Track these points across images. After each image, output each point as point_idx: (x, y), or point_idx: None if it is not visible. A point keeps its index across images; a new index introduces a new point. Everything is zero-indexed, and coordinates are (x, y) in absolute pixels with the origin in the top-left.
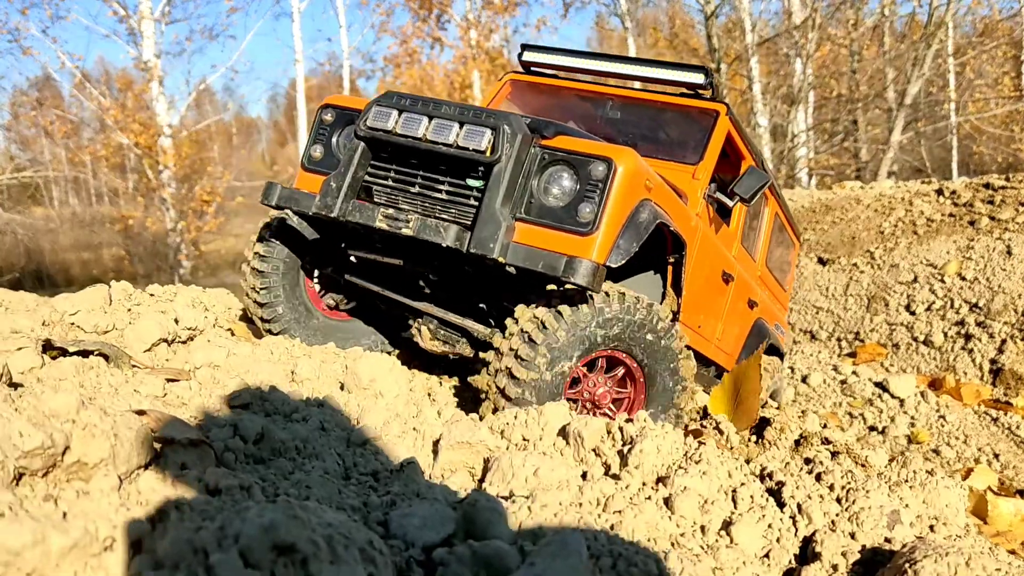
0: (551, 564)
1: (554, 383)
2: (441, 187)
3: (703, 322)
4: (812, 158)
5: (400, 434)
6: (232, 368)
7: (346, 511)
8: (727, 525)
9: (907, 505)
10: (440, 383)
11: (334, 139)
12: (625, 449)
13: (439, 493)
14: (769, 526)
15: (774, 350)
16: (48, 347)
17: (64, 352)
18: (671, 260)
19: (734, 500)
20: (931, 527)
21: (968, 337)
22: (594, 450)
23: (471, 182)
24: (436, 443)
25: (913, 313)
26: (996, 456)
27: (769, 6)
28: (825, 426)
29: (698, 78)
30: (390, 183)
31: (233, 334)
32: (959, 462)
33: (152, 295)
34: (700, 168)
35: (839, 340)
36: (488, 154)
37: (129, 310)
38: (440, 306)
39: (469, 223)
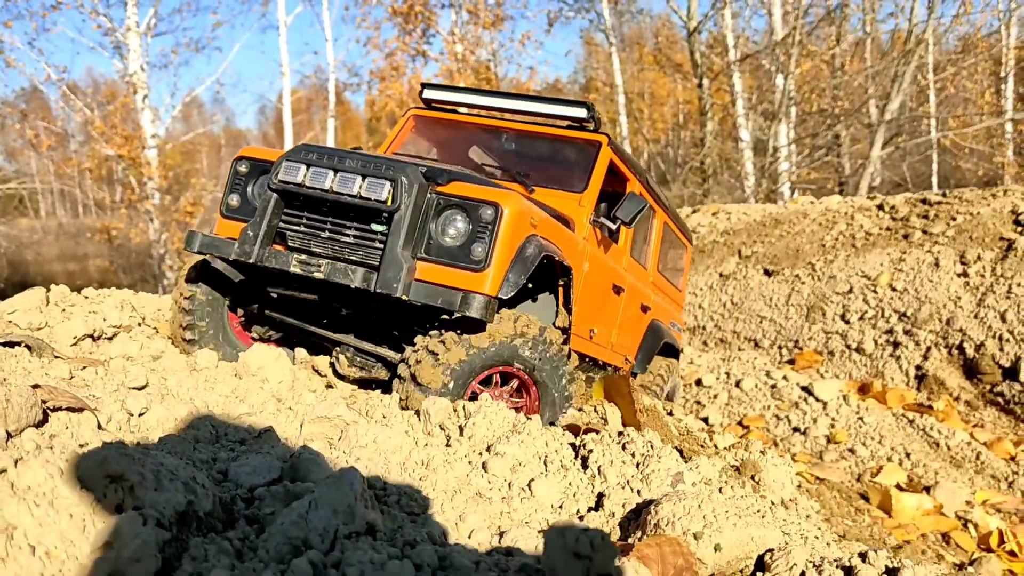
0: (325, 492)
1: (455, 395)
2: (348, 232)
3: (597, 330)
4: (794, 172)
5: (275, 412)
6: (142, 359)
7: (193, 462)
8: (531, 482)
9: (696, 467)
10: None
11: (249, 188)
12: (463, 423)
13: (277, 451)
14: (570, 484)
15: (671, 348)
16: None
17: None
18: (560, 284)
19: (545, 464)
20: (719, 488)
21: (896, 345)
22: (440, 425)
23: (375, 227)
24: (304, 418)
25: (847, 322)
26: (908, 455)
27: (752, 23)
28: (671, 413)
29: (581, 112)
30: (302, 229)
31: (158, 332)
32: (872, 460)
33: (87, 297)
34: (585, 196)
35: (780, 348)
36: (389, 203)
37: (64, 310)
38: (356, 335)
39: (376, 264)
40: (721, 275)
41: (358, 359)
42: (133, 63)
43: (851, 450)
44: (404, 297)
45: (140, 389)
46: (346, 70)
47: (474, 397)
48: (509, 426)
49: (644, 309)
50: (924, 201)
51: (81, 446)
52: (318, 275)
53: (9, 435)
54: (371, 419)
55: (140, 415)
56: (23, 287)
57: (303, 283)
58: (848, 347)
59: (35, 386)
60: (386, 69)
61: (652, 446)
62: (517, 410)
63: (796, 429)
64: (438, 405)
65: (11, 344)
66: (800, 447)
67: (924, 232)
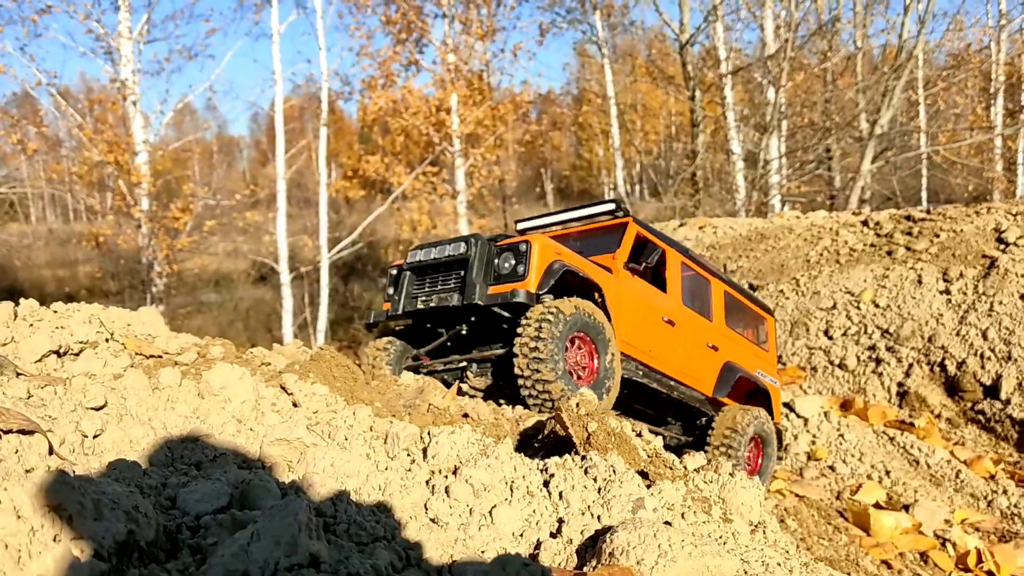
0: (268, 522)
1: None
2: (449, 279)
3: (653, 349)
4: (785, 185)
5: (235, 433)
6: (104, 377)
7: (141, 488)
8: (493, 508)
9: (658, 493)
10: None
11: (397, 280)
12: (427, 446)
13: (229, 476)
14: (534, 511)
15: (758, 391)
16: None
17: None
18: (596, 296)
19: (511, 489)
20: (682, 515)
21: (878, 361)
22: (406, 449)
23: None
24: (263, 440)
25: (831, 338)
26: (888, 473)
27: (744, 36)
28: (640, 434)
29: (611, 207)
30: (425, 287)
31: (125, 348)
32: (852, 478)
33: (55, 312)
34: (618, 253)
35: None
36: (464, 252)
37: (31, 325)
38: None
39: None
40: None
41: (477, 368)
42: (125, 69)
43: (831, 467)
44: (480, 302)
45: (98, 409)
46: (339, 79)
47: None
48: (478, 450)
49: (713, 347)
50: (908, 218)
51: (27, 471)
52: (432, 304)
53: None
54: (332, 441)
55: (95, 437)
56: (11, 292)
57: (432, 315)
58: (831, 363)
59: None
60: (378, 78)
61: (615, 471)
62: (584, 368)
63: None
64: (407, 431)
65: None
66: (780, 464)
67: (908, 249)
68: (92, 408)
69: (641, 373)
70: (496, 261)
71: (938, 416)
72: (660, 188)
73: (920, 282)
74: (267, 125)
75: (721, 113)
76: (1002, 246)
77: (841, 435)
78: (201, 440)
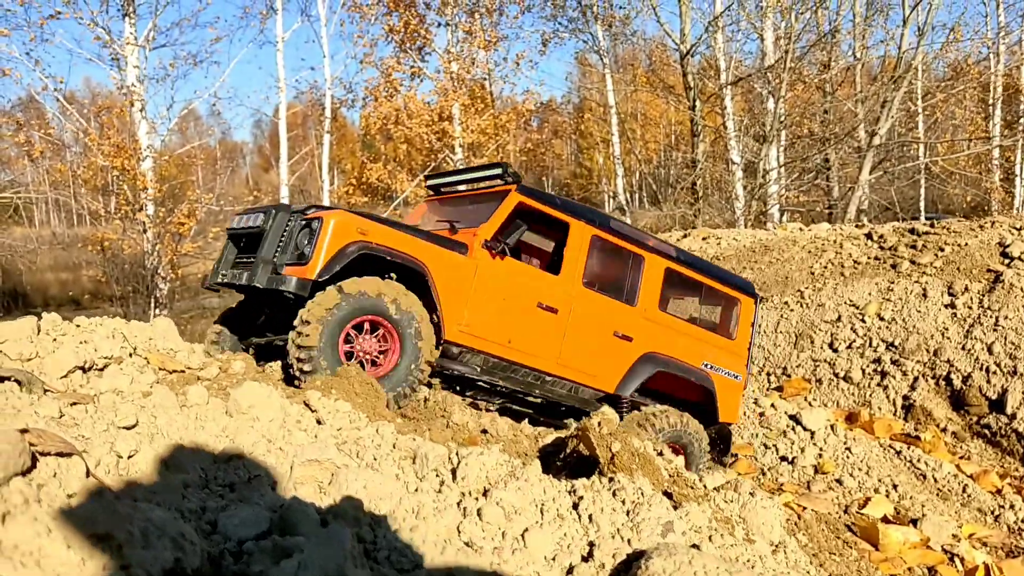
0: (315, 551)
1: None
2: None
3: (515, 339)
4: (784, 195)
5: (265, 452)
6: (132, 395)
7: (182, 512)
8: (525, 531)
9: (686, 516)
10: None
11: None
12: (456, 467)
13: (267, 500)
14: (565, 534)
15: (698, 390)
16: None
17: None
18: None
19: (542, 512)
20: (709, 537)
21: (884, 374)
22: (434, 469)
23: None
24: (294, 461)
25: (836, 351)
26: (895, 487)
27: (744, 47)
28: (661, 453)
29: (497, 171)
30: (233, 259)
31: (148, 363)
32: (859, 491)
33: (78, 326)
34: (482, 228)
35: (768, 375)
36: (261, 226)
37: (55, 339)
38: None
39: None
40: None
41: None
42: (131, 75)
43: (839, 480)
44: (259, 285)
45: (130, 428)
46: (342, 86)
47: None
48: (506, 471)
49: (624, 337)
50: (912, 231)
51: (69, 496)
52: (227, 279)
53: None
54: (361, 461)
55: (129, 457)
56: (15, 296)
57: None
58: (836, 375)
59: (23, 430)
60: (381, 86)
61: (642, 493)
62: (383, 354)
63: (784, 458)
64: (436, 451)
65: (1, 379)
66: (788, 476)
67: (912, 262)
68: (124, 427)
69: (481, 369)
70: (298, 238)
71: (944, 430)
72: (660, 197)
73: (925, 295)
74: (270, 131)
75: (721, 123)
76: (1007, 260)
77: (848, 448)
78: (233, 460)
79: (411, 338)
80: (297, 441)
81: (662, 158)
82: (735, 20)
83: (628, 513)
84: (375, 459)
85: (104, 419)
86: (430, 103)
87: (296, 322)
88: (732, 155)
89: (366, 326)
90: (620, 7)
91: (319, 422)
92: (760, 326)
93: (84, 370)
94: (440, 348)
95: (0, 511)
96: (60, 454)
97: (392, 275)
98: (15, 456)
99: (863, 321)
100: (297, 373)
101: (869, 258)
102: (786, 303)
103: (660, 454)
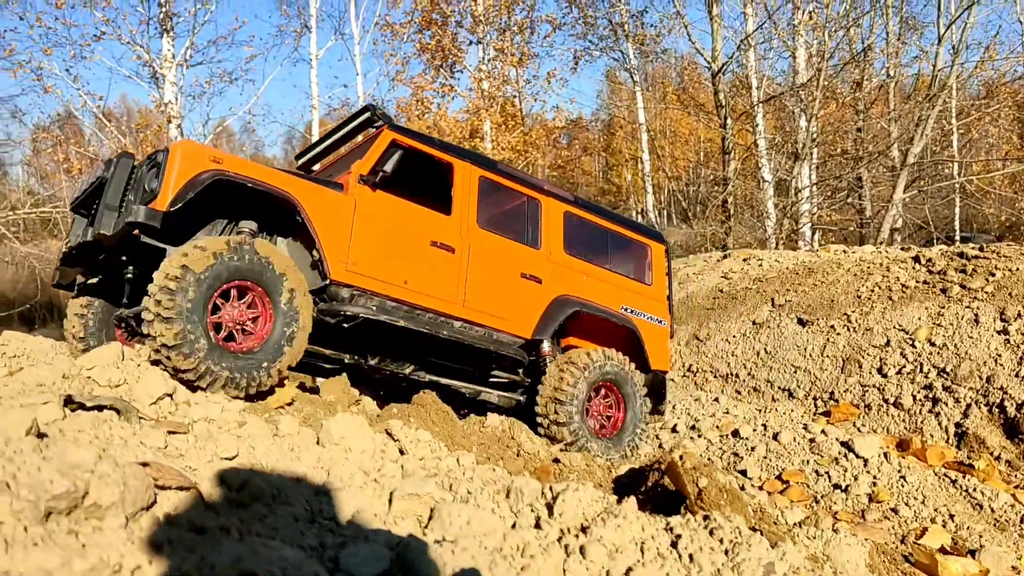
0: None
1: (195, 307)
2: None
3: (411, 280)
4: (816, 213)
5: (362, 485)
6: (224, 423)
7: (304, 549)
8: (629, 571)
9: (783, 556)
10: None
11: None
12: (551, 502)
13: (382, 536)
14: (667, 574)
15: (626, 331)
16: (68, 401)
17: (82, 406)
18: (299, 218)
19: (642, 550)
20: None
21: (935, 401)
22: (529, 504)
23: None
24: (392, 494)
25: (885, 376)
26: (952, 517)
27: (776, 64)
28: (742, 488)
29: (365, 116)
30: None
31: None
32: (915, 521)
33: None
34: (355, 165)
35: (815, 399)
36: (103, 175)
37: (139, 365)
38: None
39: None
40: (754, 323)
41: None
42: (168, 92)
43: (894, 510)
44: (105, 232)
45: (231, 459)
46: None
47: (216, 310)
48: (601, 507)
49: (532, 278)
50: (961, 255)
51: (198, 531)
52: (72, 244)
53: (127, 520)
54: (455, 494)
55: (238, 490)
56: (51, 309)
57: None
58: (885, 401)
59: (144, 464)
60: (413, 104)
61: (740, 532)
62: (255, 321)
63: (837, 486)
64: (530, 486)
65: (100, 407)
66: (841, 505)
67: (962, 287)
68: (226, 458)
69: (378, 308)
70: (146, 178)
71: (998, 458)
72: (690, 214)
73: (977, 321)
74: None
75: (752, 141)
76: None
77: (902, 477)
78: (333, 493)
79: (278, 288)
80: (389, 473)
81: (691, 175)
82: (767, 38)
83: (727, 552)
84: (469, 492)
85: (207, 449)
86: (461, 120)
87: (154, 288)
88: (764, 173)
89: (236, 292)
90: (651, 25)
91: (402, 452)
92: (806, 350)
93: (171, 396)
94: (328, 292)
95: (145, 555)
96: (179, 488)
97: (251, 225)
98: (142, 491)
99: (913, 346)
100: (166, 363)
101: (917, 282)
102: (832, 327)
103: (743, 488)
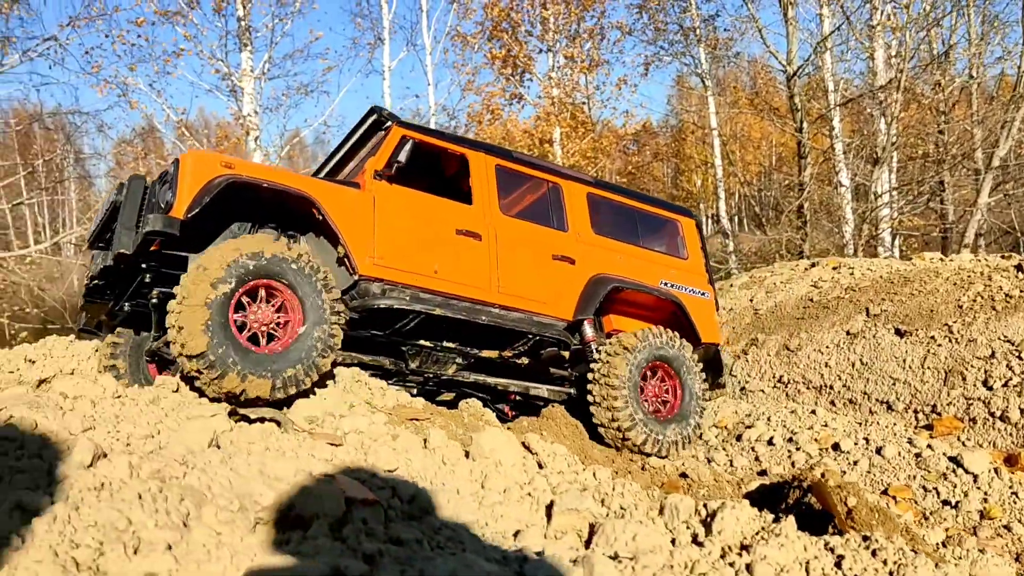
0: None
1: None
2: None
3: (442, 268)
4: (896, 219)
5: (519, 499)
6: (375, 435)
7: (494, 562)
8: None
9: None
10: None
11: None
12: (708, 519)
13: (559, 550)
14: None
15: (667, 306)
16: (233, 413)
17: (246, 419)
18: (319, 217)
19: (807, 570)
20: None
21: None
22: (684, 521)
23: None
24: (548, 507)
25: (990, 388)
26: None
27: (853, 66)
28: (883, 501)
29: (372, 118)
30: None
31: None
32: None
33: None
34: (369, 163)
35: (916, 412)
36: (118, 198)
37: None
38: None
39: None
40: (848, 333)
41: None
42: (247, 105)
43: (1007, 527)
44: (125, 251)
45: (392, 472)
46: (445, 113)
47: (241, 308)
48: (758, 525)
49: (565, 259)
50: None
51: (396, 543)
52: (93, 273)
53: (331, 531)
54: (608, 509)
55: (408, 502)
56: None
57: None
58: (992, 415)
59: (330, 476)
60: (483, 112)
61: (903, 552)
62: (282, 325)
63: (946, 502)
64: (685, 503)
65: (261, 420)
66: (952, 521)
67: None
68: (388, 471)
69: (411, 298)
70: (159, 194)
71: None
72: (763, 220)
73: None
74: None
75: (829, 145)
76: None
77: (1015, 493)
78: (495, 507)
79: (305, 287)
80: (540, 486)
81: (763, 181)
82: (844, 40)
83: (891, 574)
84: (622, 508)
85: (367, 461)
86: (531, 128)
87: (174, 303)
88: (841, 177)
89: (264, 291)
90: (724, 29)
91: (540, 465)
92: (905, 361)
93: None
94: (359, 288)
95: (342, 559)
96: (364, 502)
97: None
98: (336, 503)
99: (1020, 358)
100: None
101: (1022, 291)
102: (932, 337)
103: (895, 503)
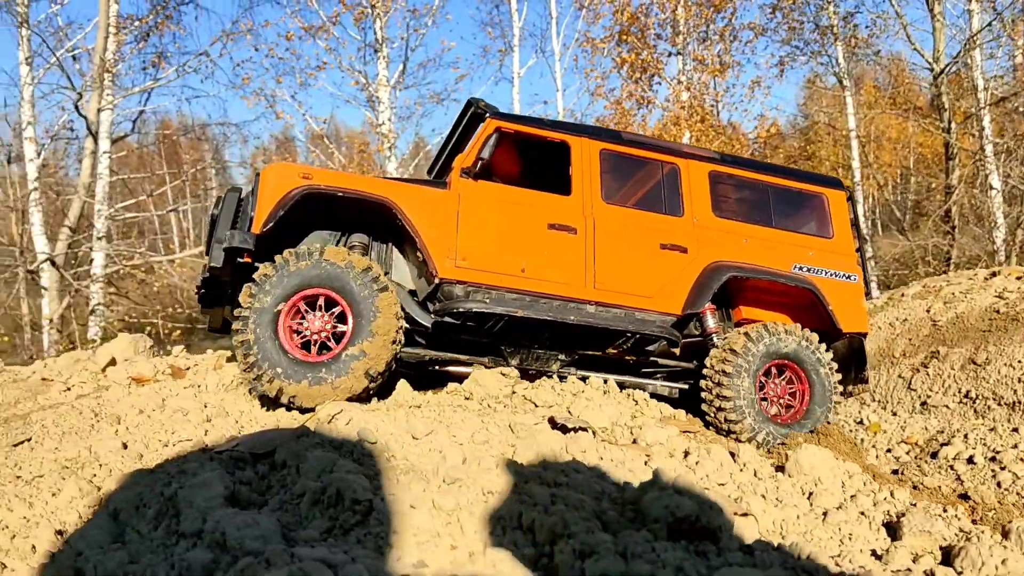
0: None
1: (272, 311)
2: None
3: (529, 266)
4: None
5: (857, 519)
6: (675, 449)
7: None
8: None
9: None
10: None
11: None
12: None
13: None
14: None
15: (798, 294)
16: (551, 422)
17: (563, 428)
18: (399, 223)
19: None
20: None
21: None
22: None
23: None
24: (885, 525)
25: None
26: None
27: (1003, 63)
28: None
29: (472, 111)
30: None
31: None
32: None
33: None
34: (457, 159)
35: None
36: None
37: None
38: None
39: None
40: None
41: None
42: (383, 114)
43: None
44: (216, 264)
45: (722, 485)
46: (574, 118)
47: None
48: None
49: (675, 248)
50: None
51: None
52: (199, 284)
53: (721, 550)
54: (961, 531)
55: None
56: None
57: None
58: None
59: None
60: (612, 117)
61: None
62: (337, 337)
63: None
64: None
65: (576, 429)
66: None
67: None
68: (719, 484)
69: (494, 300)
70: (249, 211)
71: None
72: (904, 224)
73: None
74: None
75: (979, 146)
76: None
77: None
78: (841, 526)
79: (362, 300)
80: (864, 505)
81: (900, 183)
82: (996, 35)
83: None
84: (962, 531)
85: (696, 475)
86: (662, 132)
87: (241, 309)
88: (992, 180)
89: (324, 299)
90: (865, 27)
91: (843, 484)
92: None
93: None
94: (442, 291)
95: None
96: (735, 513)
97: (362, 238)
98: (730, 518)
99: None
100: (254, 383)
101: None
102: None
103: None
